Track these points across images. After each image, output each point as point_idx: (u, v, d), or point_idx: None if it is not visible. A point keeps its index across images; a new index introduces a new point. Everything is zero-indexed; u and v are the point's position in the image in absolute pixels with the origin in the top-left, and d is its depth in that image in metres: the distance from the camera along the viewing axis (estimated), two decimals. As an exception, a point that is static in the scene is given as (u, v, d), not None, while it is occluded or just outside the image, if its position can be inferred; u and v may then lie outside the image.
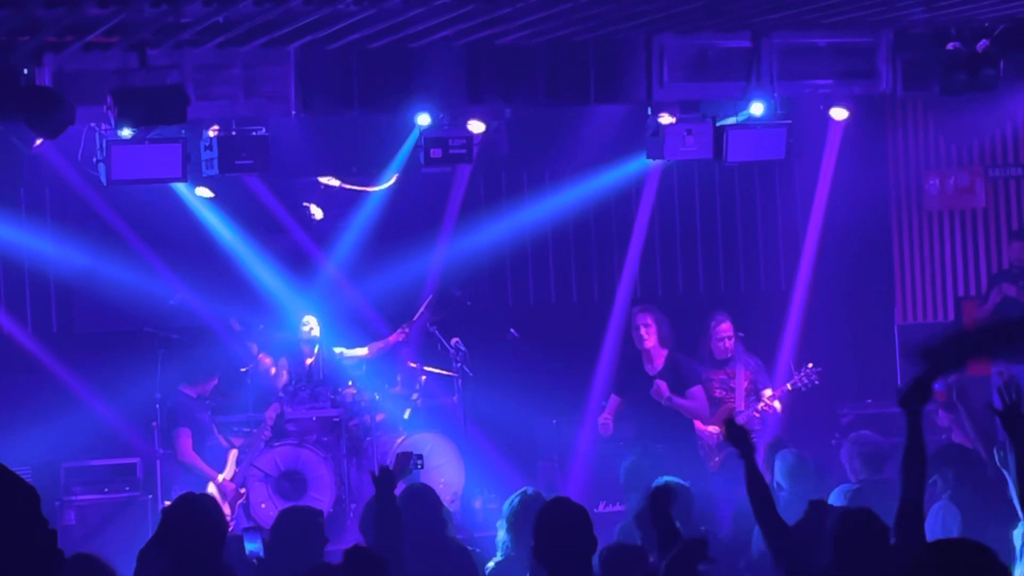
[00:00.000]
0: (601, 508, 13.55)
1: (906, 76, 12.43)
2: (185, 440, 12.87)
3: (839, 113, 13.49)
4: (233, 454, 13.25)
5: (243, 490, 12.88)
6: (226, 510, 12.40)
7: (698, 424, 13.15)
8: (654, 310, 13.14)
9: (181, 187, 13.76)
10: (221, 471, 13.06)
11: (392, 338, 14.43)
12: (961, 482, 9.14)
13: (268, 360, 14.12)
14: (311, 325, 14.19)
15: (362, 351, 14.47)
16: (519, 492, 9.12)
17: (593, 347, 15.44)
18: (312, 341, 14.18)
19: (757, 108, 12.40)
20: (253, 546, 6.69)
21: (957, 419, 10.80)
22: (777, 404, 13.11)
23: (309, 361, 14.17)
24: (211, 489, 12.50)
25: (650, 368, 12.95)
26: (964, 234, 15.96)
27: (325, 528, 8.66)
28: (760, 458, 10.09)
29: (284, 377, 14.07)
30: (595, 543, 6.77)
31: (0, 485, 3.82)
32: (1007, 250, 15.11)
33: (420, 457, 9.56)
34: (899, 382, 15.80)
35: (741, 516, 9.18)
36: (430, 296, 14.72)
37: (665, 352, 12.94)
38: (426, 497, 8.77)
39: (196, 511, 6.51)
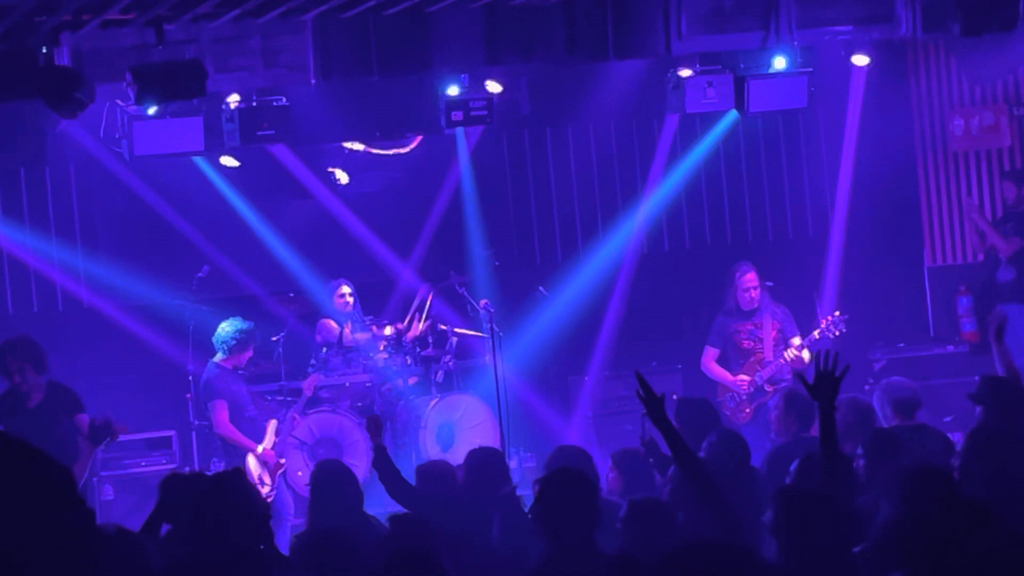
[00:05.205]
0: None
1: (925, 18, 12.33)
2: (222, 412, 12.75)
3: (861, 60, 13.48)
4: (272, 424, 13.23)
5: (283, 460, 12.87)
6: (267, 480, 12.46)
7: (728, 376, 13.19)
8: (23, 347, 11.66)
9: (206, 159, 13.85)
10: (260, 441, 13.06)
11: (409, 336, 14.36)
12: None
13: (334, 324, 14.13)
14: (346, 296, 14.21)
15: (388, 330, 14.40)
16: (557, 448, 9.17)
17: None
18: (347, 315, 14.21)
19: (780, 62, 12.44)
20: None
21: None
22: (806, 353, 13.06)
23: (348, 329, 14.17)
24: (251, 460, 12.50)
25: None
26: (991, 173, 15.89)
27: (364, 493, 8.73)
28: (779, 408, 10.16)
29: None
30: (597, 510, 6.77)
31: (32, 467, 3.81)
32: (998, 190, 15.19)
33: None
34: (931, 325, 15.81)
35: (774, 462, 9.22)
36: (427, 295, 14.58)
37: (44, 382, 11.63)
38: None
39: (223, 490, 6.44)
